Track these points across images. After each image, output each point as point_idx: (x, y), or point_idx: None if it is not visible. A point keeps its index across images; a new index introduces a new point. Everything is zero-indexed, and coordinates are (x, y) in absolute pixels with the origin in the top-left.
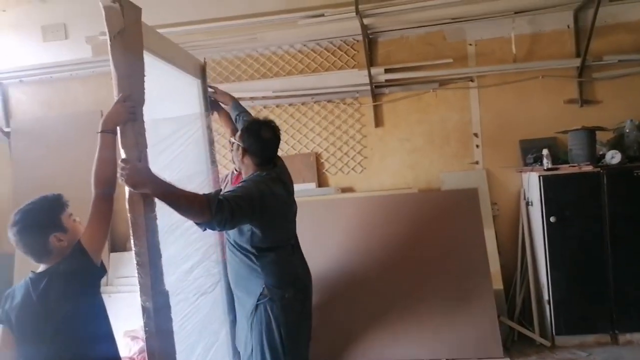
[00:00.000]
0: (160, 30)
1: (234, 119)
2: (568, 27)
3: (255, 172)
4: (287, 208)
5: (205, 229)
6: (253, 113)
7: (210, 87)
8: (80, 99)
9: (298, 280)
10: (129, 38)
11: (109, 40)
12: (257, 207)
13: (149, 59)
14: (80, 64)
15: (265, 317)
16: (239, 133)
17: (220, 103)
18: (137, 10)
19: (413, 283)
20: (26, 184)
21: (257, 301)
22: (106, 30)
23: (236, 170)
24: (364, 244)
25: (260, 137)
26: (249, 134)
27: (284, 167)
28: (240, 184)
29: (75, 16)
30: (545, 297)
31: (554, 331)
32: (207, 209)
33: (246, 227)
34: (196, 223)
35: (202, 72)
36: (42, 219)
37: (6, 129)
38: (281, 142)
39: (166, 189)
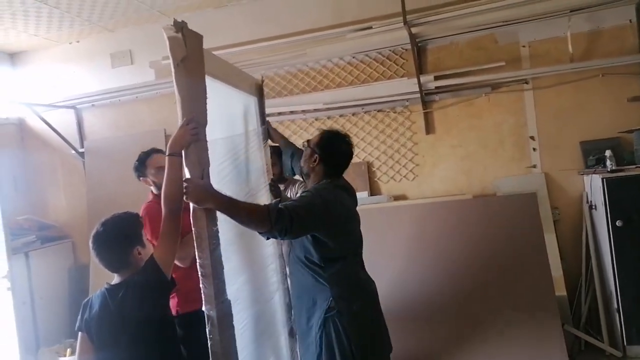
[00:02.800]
0: (218, 52)
1: (289, 156)
2: (630, 21)
3: (321, 181)
4: (353, 217)
5: (268, 238)
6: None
7: (267, 122)
8: (145, 119)
9: (366, 291)
10: (191, 64)
11: (172, 68)
12: (319, 216)
13: (209, 82)
14: (144, 87)
15: (335, 331)
16: (316, 140)
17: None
18: (199, 38)
19: (471, 290)
20: (98, 198)
21: (325, 314)
22: (170, 58)
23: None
24: (418, 251)
25: (340, 150)
26: (329, 145)
27: (345, 180)
28: (303, 194)
29: (139, 43)
30: (614, 305)
31: (624, 341)
32: (267, 219)
33: (313, 237)
34: (259, 232)
35: (258, 90)
36: (129, 231)
37: (81, 150)
38: None
39: (227, 202)
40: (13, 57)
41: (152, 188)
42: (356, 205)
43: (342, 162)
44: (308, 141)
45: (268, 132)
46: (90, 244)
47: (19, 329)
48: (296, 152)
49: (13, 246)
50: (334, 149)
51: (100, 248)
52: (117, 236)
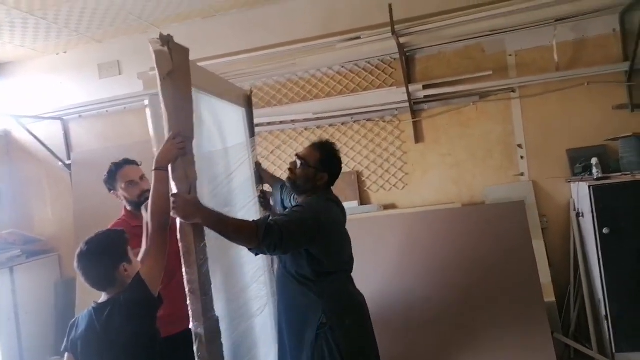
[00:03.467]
0: (206, 62)
1: (279, 189)
2: (614, 30)
3: (314, 195)
4: (344, 232)
5: (257, 254)
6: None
7: (257, 163)
8: (134, 130)
9: (357, 306)
10: (177, 78)
11: (158, 81)
12: (309, 231)
13: (196, 95)
14: (132, 98)
15: (327, 347)
16: (317, 157)
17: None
18: (185, 52)
19: (461, 298)
20: (85, 210)
21: (317, 330)
22: (156, 71)
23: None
24: (408, 260)
25: (338, 161)
26: (330, 159)
27: (334, 193)
28: (294, 208)
29: (127, 54)
30: (603, 312)
31: (613, 348)
32: (254, 235)
33: (304, 252)
34: (248, 249)
35: (247, 101)
36: (113, 249)
37: (67, 161)
38: None
39: (215, 218)
40: None
41: (125, 203)
42: (346, 220)
43: (339, 173)
44: (304, 159)
45: (259, 173)
46: (75, 264)
47: (3, 345)
48: (285, 184)
49: None
50: (334, 162)
51: (86, 268)
52: (102, 254)
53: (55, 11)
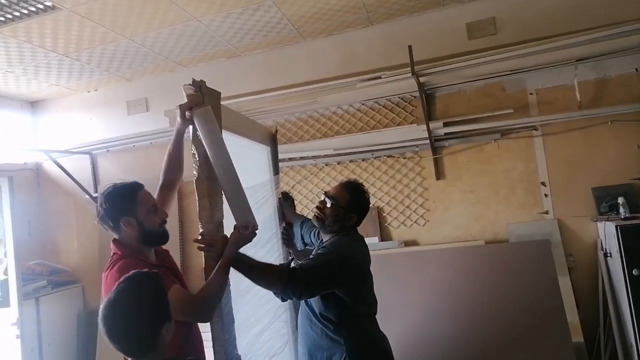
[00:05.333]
0: (230, 101)
1: (299, 225)
2: (636, 70)
3: (341, 233)
4: (369, 272)
5: (283, 300)
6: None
7: (284, 195)
8: (158, 164)
9: (381, 349)
10: None
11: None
12: (335, 274)
13: (224, 135)
14: (159, 133)
15: None
16: (347, 199)
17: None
18: (217, 95)
19: (485, 338)
20: (109, 243)
21: None
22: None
23: None
24: (431, 298)
25: (367, 203)
26: (359, 199)
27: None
28: (319, 251)
29: (155, 91)
30: (635, 358)
31: None
32: (279, 280)
33: (332, 293)
34: (274, 293)
35: (272, 139)
36: (156, 304)
37: (94, 194)
38: None
39: (241, 260)
40: (33, 105)
41: (135, 238)
42: (370, 261)
43: (366, 214)
44: (334, 198)
45: (281, 210)
46: (101, 326)
47: None
48: (305, 221)
49: (24, 292)
50: (363, 203)
51: (117, 333)
52: (139, 318)
53: (89, 53)
